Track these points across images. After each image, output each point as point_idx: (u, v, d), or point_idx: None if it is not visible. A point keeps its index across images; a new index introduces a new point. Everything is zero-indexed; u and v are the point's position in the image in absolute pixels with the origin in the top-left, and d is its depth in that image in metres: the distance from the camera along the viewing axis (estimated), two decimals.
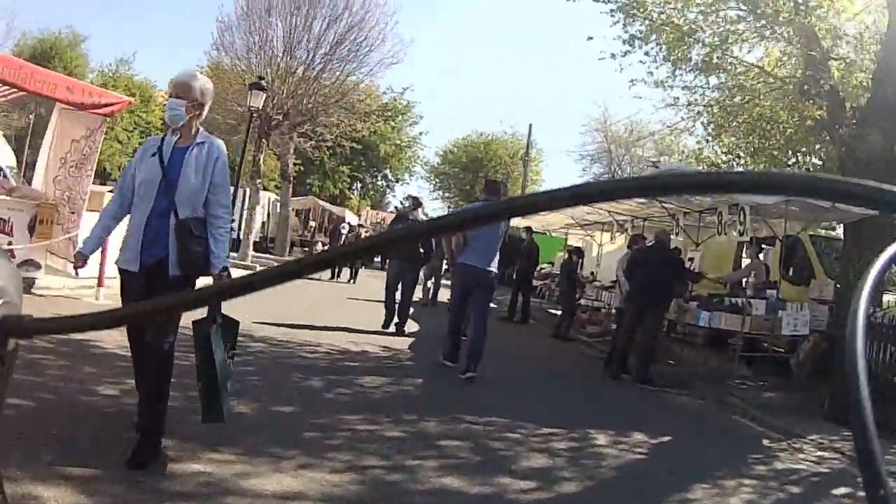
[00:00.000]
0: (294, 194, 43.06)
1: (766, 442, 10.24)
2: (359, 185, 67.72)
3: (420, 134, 67.18)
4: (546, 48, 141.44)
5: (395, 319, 16.46)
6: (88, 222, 14.95)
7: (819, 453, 9.75)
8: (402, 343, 14.82)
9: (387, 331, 16.12)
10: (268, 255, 35.73)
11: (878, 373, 12.14)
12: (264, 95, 27.38)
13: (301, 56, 33.35)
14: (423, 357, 13.35)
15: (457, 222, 0.83)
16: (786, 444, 10.09)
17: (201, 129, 6.11)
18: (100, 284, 13.85)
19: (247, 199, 31.95)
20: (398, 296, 16.66)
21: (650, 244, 15.37)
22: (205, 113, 6.07)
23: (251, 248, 31.22)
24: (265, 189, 43.90)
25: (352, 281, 31.04)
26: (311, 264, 0.81)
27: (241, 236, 30.76)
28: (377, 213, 63.34)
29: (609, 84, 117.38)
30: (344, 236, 32.49)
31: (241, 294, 0.82)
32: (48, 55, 54.61)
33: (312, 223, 46.78)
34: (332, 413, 8.12)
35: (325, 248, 35.45)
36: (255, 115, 29.44)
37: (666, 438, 9.58)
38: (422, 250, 16.50)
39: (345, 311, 19.18)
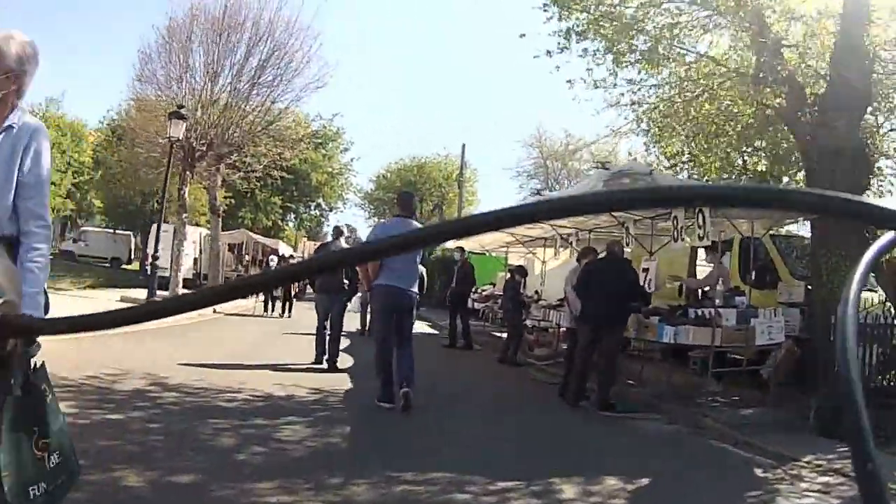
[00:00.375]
0: (226, 228, 42.00)
1: (758, 471, 8.88)
2: (292, 216, 66.49)
3: (351, 160, 66.52)
4: (477, 65, 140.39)
5: (327, 355, 15.40)
6: None
7: (822, 479, 8.42)
8: (335, 381, 13.37)
9: (319, 367, 15.06)
10: None
11: (865, 376, 11.32)
12: (184, 124, 25.92)
13: (223, 84, 31.99)
14: (355, 398, 11.95)
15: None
16: (781, 472, 8.74)
17: (20, 107, 4.28)
18: None
19: (174, 235, 30.37)
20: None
21: (601, 257, 14.08)
22: (27, 85, 4.31)
23: (181, 285, 29.52)
24: (197, 224, 42.93)
25: (286, 315, 29.30)
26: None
27: (171, 273, 29.24)
28: (315, 244, 62.27)
29: (544, 97, 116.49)
30: (273, 266, 30.63)
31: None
32: None
33: (247, 257, 45.47)
34: (240, 480, 6.62)
35: None
36: (176, 145, 27.96)
37: (644, 481, 8.11)
38: (345, 280, 15.78)
39: (277, 348, 18.01)
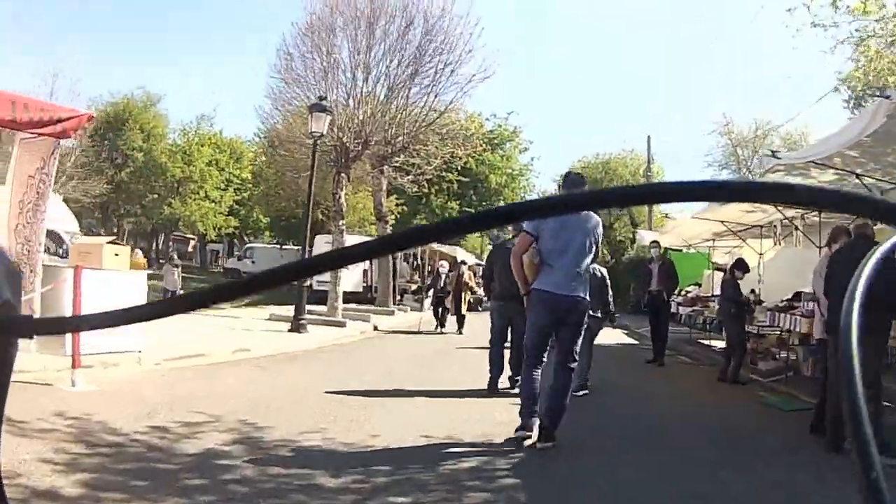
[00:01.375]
0: None
1: None
2: None
3: (532, 160, 63.67)
4: (656, 50, 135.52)
5: (508, 373, 13.14)
6: (87, 281, 11.19)
7: None
8: (508, 416, 9.89)
9: (491, 393, 12.56)
10: (368, 307, 31.49)
11: None
12: (328, 118, 22.95)
13: (377, 75, 28.99)
14: (530, 452, 8.28)
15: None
16: None
17: None
18: (74, 366, 10.41)
19: (333, 245, 27.43)
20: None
21: (849, 242, 10.34)
22: None
23: (341, 299, 26.61)
24: (367, 234, 41.27)
25: (459, 331, 24.93)
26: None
27: (330, 287, 26.81)
28: None
29: (731, 82, 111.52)
30: (444, 277, 27.06)
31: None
32: (122, 118, 53.56)
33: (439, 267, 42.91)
34: None
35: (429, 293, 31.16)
36: (328, 146, 26.41)
37: None
38: None
39: (447, 368, 15.54)
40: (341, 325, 23.31)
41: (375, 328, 24.17)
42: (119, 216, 62.00)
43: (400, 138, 29.89)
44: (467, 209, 57.51)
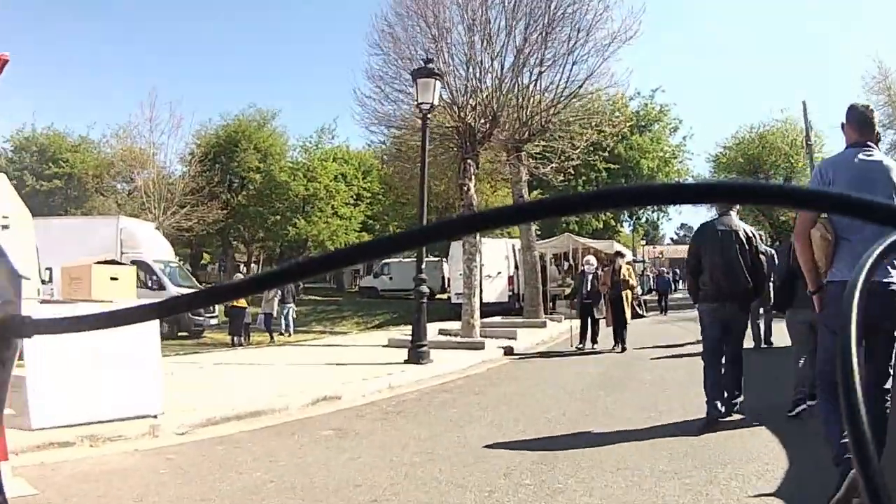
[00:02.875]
0: (548, 235, 37.62)
1: None
2: (626, 215, 58.89)
3: (684, 139, 58.94)
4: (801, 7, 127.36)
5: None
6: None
7: None
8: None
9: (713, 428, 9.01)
10: (515, 319, 26.92)
11: None
12: (437, 84, 17.62)
13: (499, 47, 24.59)
14: None
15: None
16: None
17: None
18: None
19: (462, 249, 22.95)
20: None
21: None
22: None
23: (478, 314, 21.54)
24: (511, 236, 37.48)
25: (617, 348, 18.68)
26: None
27: (464, 300, 21.85)
28: (654, 248, 55.72)
29: (884, 33, 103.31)
30: (590, 277, 19.85)
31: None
32: (234, 139, 51.60)
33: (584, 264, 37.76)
34: None
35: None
36: (448, 129, 23.18)
37: None
38: (749, 277, 9.77)
39: (629, 402, 11.05)
40: (478, 346, 18.41)
41: (507, 353, 18.67)
42: (244, 241, 59.99)
43: (536, 117, 25.53)
44: None
